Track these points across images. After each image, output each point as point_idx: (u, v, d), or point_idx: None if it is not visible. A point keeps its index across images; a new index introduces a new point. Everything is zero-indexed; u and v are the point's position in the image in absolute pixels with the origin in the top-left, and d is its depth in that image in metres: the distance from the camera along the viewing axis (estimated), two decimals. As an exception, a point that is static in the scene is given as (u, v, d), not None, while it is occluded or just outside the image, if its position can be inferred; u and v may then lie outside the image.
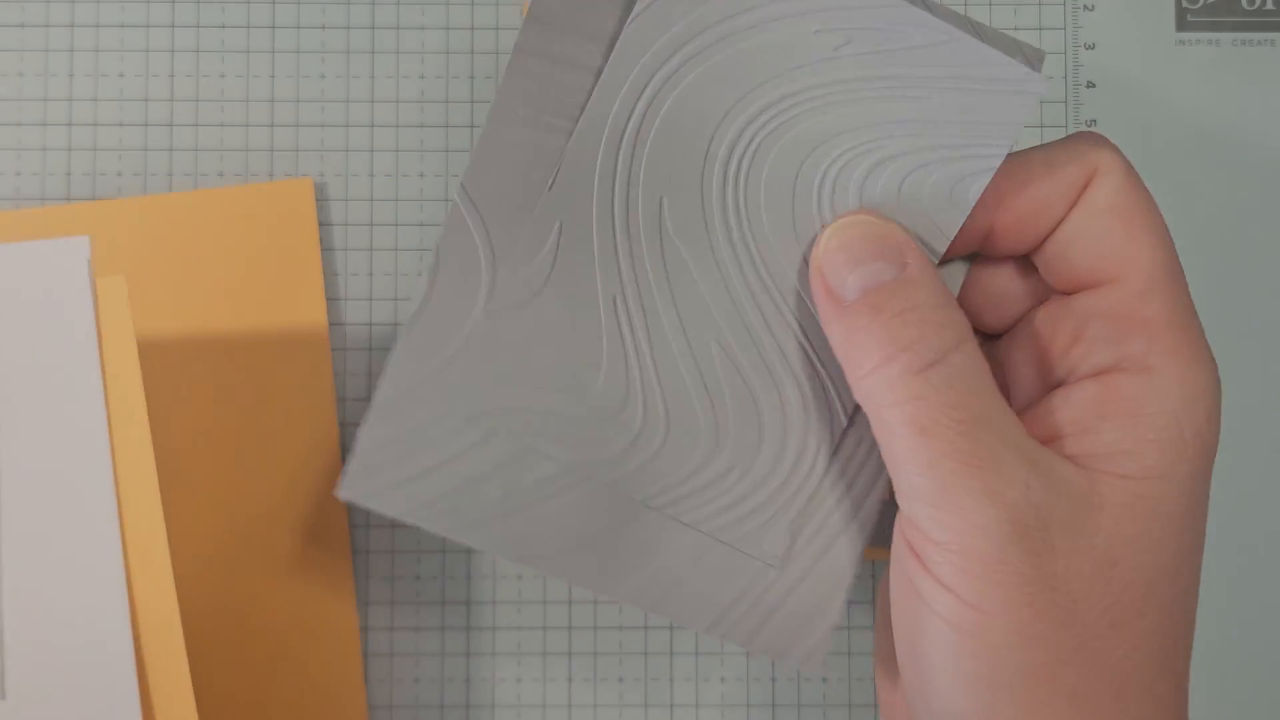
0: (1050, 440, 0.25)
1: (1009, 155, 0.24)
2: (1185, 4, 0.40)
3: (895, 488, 0.24)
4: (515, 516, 0.26)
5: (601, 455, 0.26)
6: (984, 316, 0.27)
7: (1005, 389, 0.27)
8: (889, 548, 0.25)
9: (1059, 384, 0.26)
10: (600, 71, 0.24)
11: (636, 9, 0.24)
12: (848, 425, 0.26)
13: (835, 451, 0.26)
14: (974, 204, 0.25)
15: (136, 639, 0.31)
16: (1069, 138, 0.26)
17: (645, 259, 0.25)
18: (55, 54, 0.39)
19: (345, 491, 0.26)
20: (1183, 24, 0.40)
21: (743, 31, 0.24)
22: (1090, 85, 0.40)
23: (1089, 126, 0.39)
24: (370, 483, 0.26)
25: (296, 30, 0.39)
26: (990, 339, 0.28)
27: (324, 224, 0.39)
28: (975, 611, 0.23)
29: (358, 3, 0.39)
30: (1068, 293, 0.26)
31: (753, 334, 0.26)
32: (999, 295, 0.27)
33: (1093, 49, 0.40)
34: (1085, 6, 0.40)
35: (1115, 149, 0.25)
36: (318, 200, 0.39)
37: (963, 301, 0.27)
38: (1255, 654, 0.38)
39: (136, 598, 0.31)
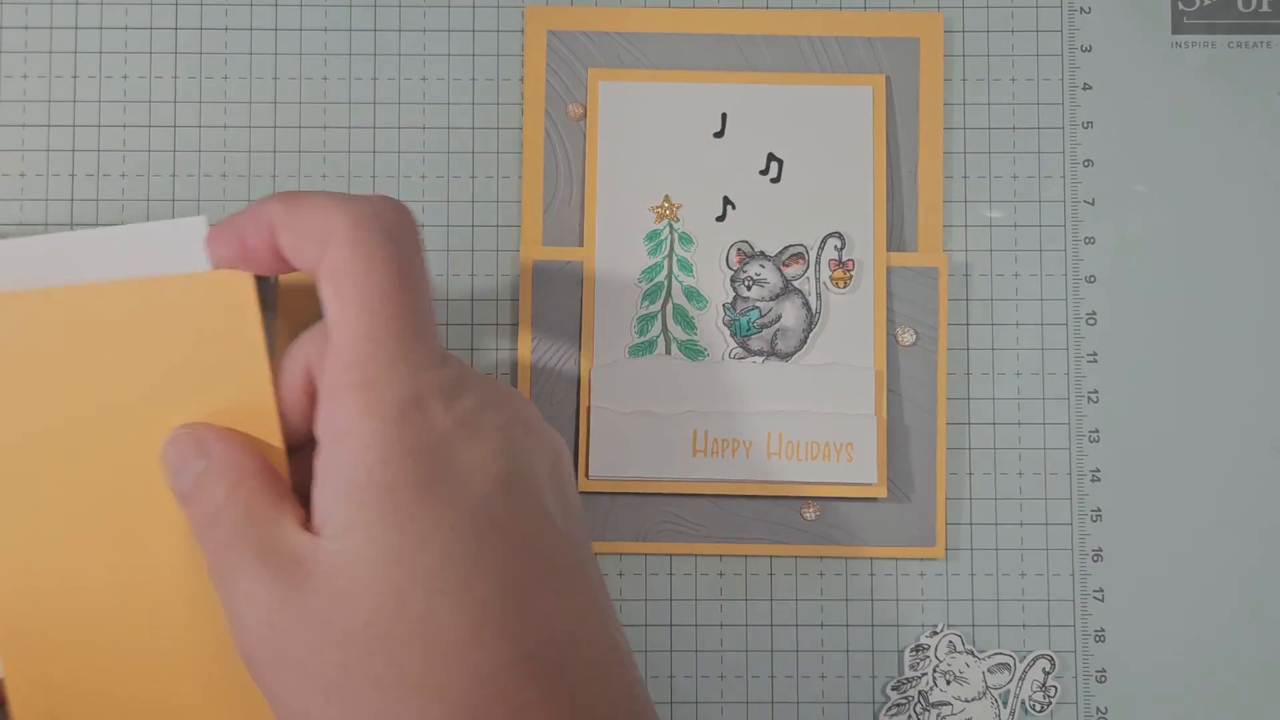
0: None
1: (285, 196, 0.28)
2: (1181, 6, 0.40)
3: None
4: None
5: None
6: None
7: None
8: None
9: None
10: None
11: None
12: None
13: None
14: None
15: None
16: (325, 203, 0.27)
17: None
18: (59, 56, 0.39)
19: None
20: (1179, 26, 0.40)
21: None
22: (1087, 87, 0.40)
23: (1086, 128, 0.40)
24: None
25: (299, 33, 0.39)
26: None
27: (326, 225, 0.39)
28: None
29: (360, 6, 0.40)
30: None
31: None
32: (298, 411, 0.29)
33: (1089, 51, 0.40)
34: (1082, 9, 0.40)
35: (352, 212, 0.27)
36: (320, 201, 0.39)
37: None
38: (1255, 653, 0.39)
39: None
